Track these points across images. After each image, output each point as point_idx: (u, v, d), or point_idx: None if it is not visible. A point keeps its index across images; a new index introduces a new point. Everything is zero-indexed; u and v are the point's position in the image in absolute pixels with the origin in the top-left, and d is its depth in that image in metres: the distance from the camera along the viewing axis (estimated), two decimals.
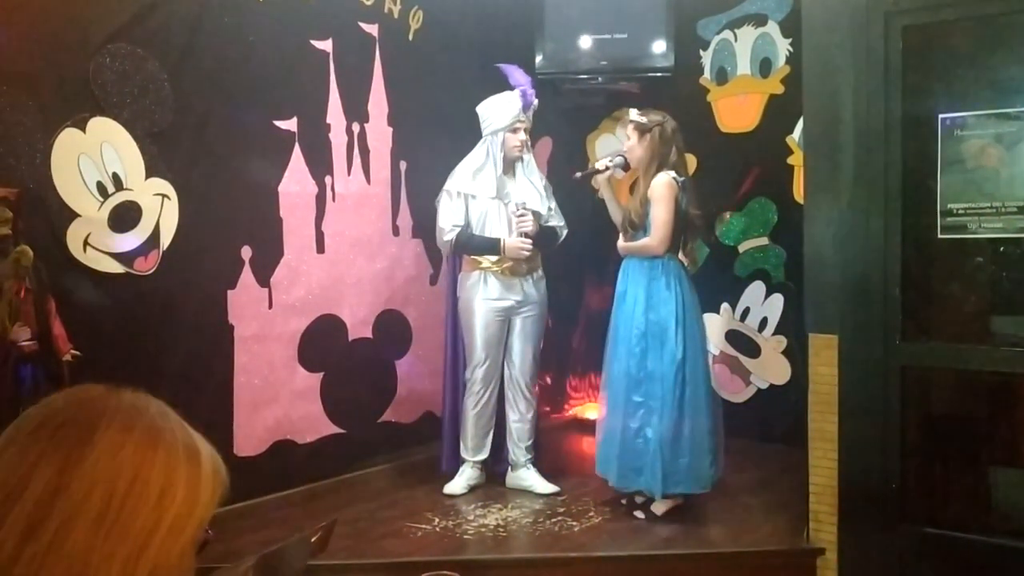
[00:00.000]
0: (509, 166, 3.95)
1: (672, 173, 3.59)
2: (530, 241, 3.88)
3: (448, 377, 4.13)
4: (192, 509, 0.84)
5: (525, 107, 3.89)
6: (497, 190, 3.89)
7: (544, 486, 3.96)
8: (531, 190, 3.95)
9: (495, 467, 4.11)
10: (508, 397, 4.02)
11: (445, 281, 4.57)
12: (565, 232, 4.10)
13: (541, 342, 4.10)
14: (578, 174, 3.99)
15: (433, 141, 4.40)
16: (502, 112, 3.88)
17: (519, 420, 4.02)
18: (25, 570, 0.76)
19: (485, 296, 3.91)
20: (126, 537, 0.79)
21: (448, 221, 3.90)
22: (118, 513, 0.79)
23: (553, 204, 4.05)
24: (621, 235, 3.75)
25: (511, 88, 3.92)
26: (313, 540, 1.83)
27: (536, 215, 3.93)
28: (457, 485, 3.96)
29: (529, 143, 3.99)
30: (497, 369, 3.99)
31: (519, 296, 3.94)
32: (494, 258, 3.91)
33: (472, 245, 3.91)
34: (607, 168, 3.83)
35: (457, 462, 4.05)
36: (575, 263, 4.99)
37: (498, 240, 3.88)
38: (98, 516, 0.79)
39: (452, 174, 3.95)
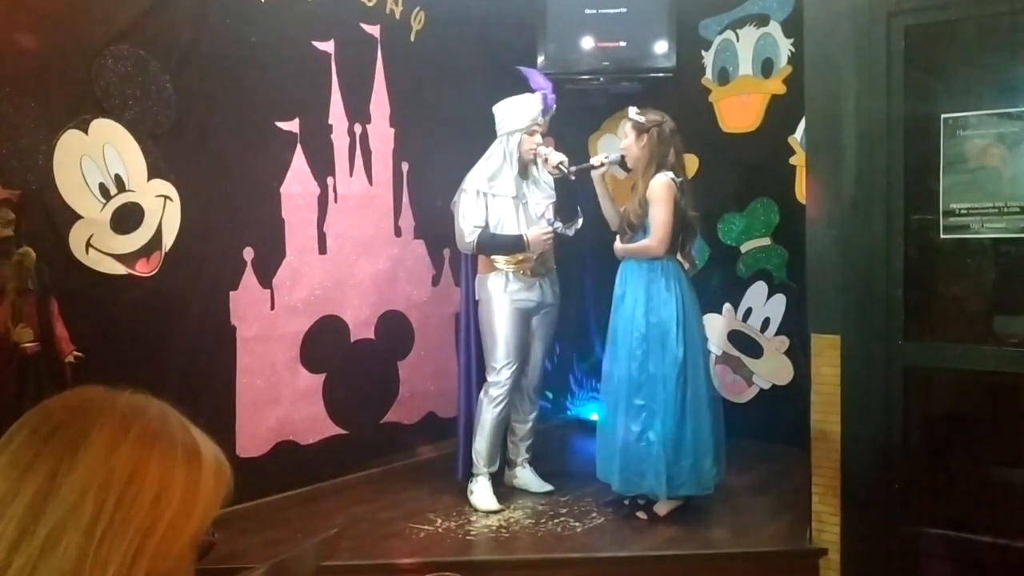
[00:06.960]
0: (523, 167, 3.91)
1: (670, 174, 3.57)
2: (551, 231, 3.81)
3: (462, 383, 4.00)
4: (190, 511, 0.83)
5: (545, 111, 3.85)
6: (515, 190, 3.85)
7: (539, 485, 3.96)
8: (547, 191, 3.92)
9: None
10: (514, 397, 3.98)
11: (445, 282, 4.59)
12: (581, 221, 4.03)
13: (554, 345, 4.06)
14: (573, 168, 3.90)
15: (435, 142, 4.40)
16: (521, 113, 3.83)
17: (523, 422, 4.01)
18: None
19: (510, 296, 3.81)
20: (120, 542, 0.78)
21: (469, 222, 3.80)
22: (111, 518, 0.78)
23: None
24: (618, 237, 3.73)
25: (514, 89, 3.91)
26: (322, 545, 1.83)
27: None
28: (492, 500, 3.78)
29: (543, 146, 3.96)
30: (517, 373, 3.85)
31: (538, 296, 3.88)
32: (515, 257, 3.81)
33: (495, 244, 3.82)
34: (603, 164, 3.82)
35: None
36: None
37: (520, 236, 3.79)
38: (91, 521, 0.77)
39: (470, 174, 3.86)
